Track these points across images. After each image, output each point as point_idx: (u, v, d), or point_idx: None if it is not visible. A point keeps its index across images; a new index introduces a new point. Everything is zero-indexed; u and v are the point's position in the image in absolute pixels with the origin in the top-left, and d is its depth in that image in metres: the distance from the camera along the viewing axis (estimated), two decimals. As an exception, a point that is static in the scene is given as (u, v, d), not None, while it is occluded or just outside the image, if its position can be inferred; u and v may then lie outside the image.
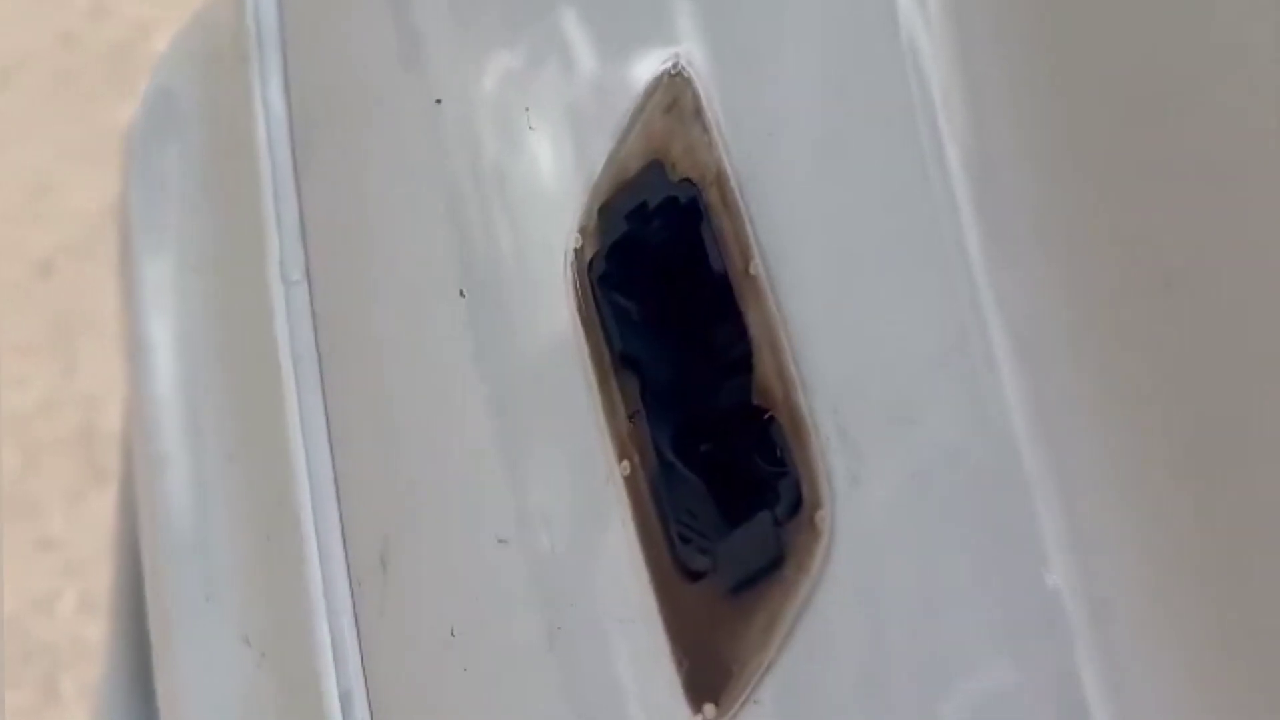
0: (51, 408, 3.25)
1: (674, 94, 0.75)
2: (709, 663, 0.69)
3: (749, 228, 0.71)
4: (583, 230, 0.77)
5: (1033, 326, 0.65)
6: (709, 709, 0.68)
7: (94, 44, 3.60)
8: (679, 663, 0.70)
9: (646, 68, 0.76)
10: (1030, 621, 0.62)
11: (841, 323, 0.69)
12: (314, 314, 0.91)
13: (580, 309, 0.76)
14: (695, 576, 0.71)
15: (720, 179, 0.73)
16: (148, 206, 1.08)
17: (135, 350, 1.05)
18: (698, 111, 0.74)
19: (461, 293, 0.82)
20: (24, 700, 2.93)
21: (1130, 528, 0.62)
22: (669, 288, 0.75)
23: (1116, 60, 0.67)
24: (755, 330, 0.70)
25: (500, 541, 0.78)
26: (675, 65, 0.75)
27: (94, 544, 3.11)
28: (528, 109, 0.81)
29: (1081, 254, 0.64)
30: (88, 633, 2.98)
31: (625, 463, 0.74)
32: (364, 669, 0.83)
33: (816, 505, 0.67)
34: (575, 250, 0.77)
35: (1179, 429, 0.63)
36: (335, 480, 0.88)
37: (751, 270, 0.71)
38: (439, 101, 0.85)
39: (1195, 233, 0.65)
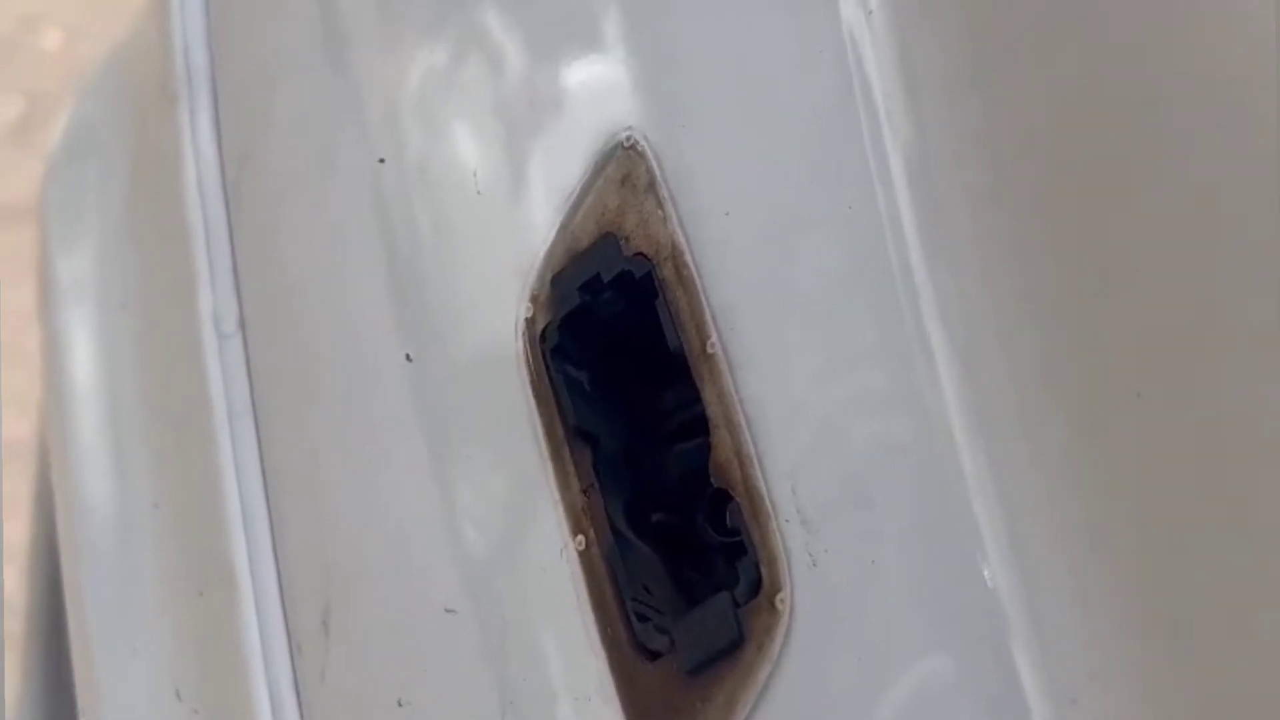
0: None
1: (628, 167, 0.74)
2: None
3: (705, 304, 0.71)
4: (534, 299, 0.77)
5: (990, 409, 0.65)
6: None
7: (-22, 37, 3.52)
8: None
9: (600, 138, 0.75)
10: (995, 706, 0.63)
11: (799, 402, 0.69)
12: (249, 367, 0.90)
13: (533, 380, 0.76)
14: (652, 656, 0.71)
15: (675, 254, 0.73)
16: (68, 249, 1.07)
17: (56, 394, 1.03)
18: (651, 185, 0.74)
19: (408, 357, 0.81)
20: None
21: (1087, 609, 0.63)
22: (624, 362, 0.75)
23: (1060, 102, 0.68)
24: (712, 408, 0.70)
25: (449, 611, 0.78)
26: (630, 138, 0.74)
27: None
28: (475, 172, 0.80)
29: (1042, 344, 0.65)
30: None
31: (580, 537, 0.73)
32: (305, 732, 0.82)
33: (776, 588, 0.67)
34: (527, 320, 0.77)
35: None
36: (273, 538, 0.87)
37: (709, 349, 0.71)
38: (382, 161, 0.84)
39: (1130, 238, 0.65)
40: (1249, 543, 0.62)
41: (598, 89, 0.77)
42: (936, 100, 0.69)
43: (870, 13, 0.68)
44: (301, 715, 0.83)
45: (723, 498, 0.70)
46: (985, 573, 0.63)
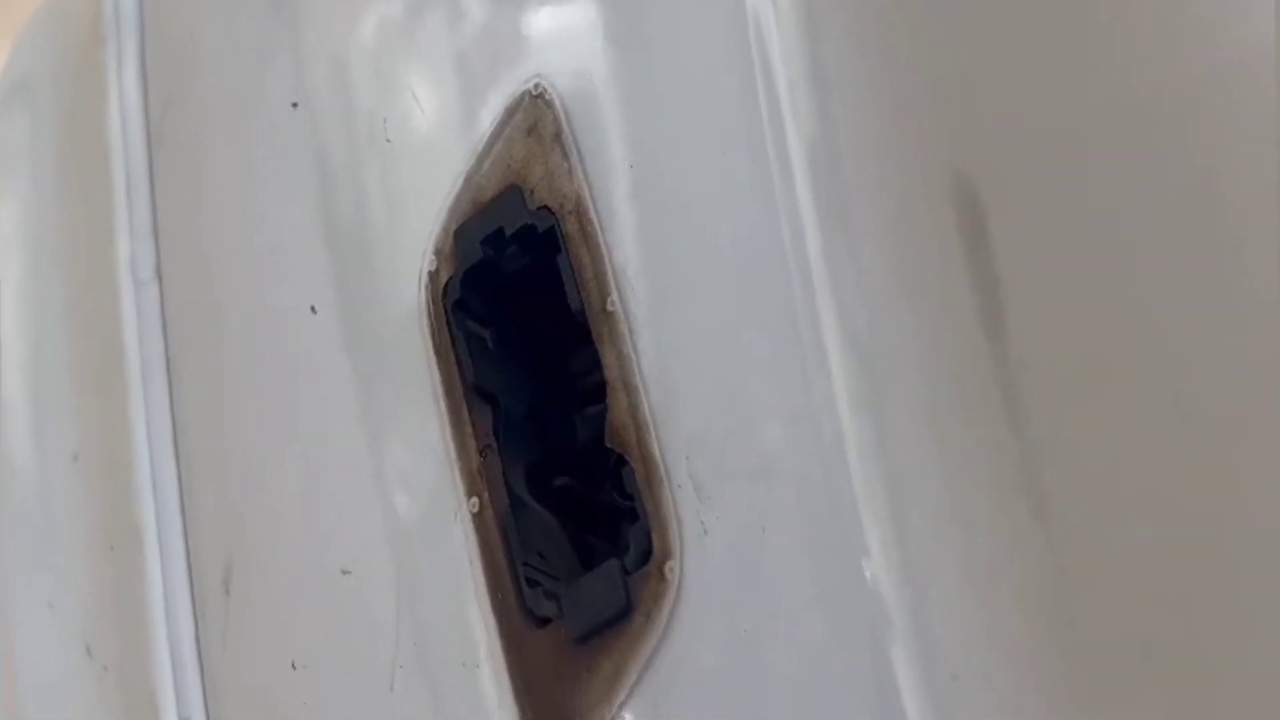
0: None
1: (535, 116, 0.72)
2: (552, 712, 0.67)
3: (607, 262, 0.69)
4: (438, 252, 0.74)
5: (878, 386, 0.62)
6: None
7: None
8: (522, 711, 0.68)
9: (508, 87, 0.73)
10: (874, 691, 0.60)
11: (697, 366, 0.67)
12: (164, 315, 0.88)
13: (433, 335, 0.73)
14: (542, 622, 0.68)
15: (580, 208, 0.70)
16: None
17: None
18: (558, 136, 0.71)
19: (313, 309, 0.79)
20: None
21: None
22: (525, 318, 0.73)
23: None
24: (611, 370, 0.68)
25: (344, 573, 0.75)
26: (538, 86, 0.72)
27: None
28: (385, 120, 0.78)
29: (933, 324, 0.62)
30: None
31: (474, 499, 0.71)
32: (205, 696, 0.80)
33: (667, 555, 0.65)
34: (430, 273, 0.74)
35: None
36: (180, 492, 0.85)
37: (609, 307, 0.68)
38: (295, 105, 0.82)
39: (1031, 237, 0.62)
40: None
41: (508, 37, 0.74)
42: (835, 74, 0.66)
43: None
44: (203, 677, 0.81)
45: (619, 462, 0.67)
46: (871, 545, 0.61)
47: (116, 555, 0.89)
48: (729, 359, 0.65)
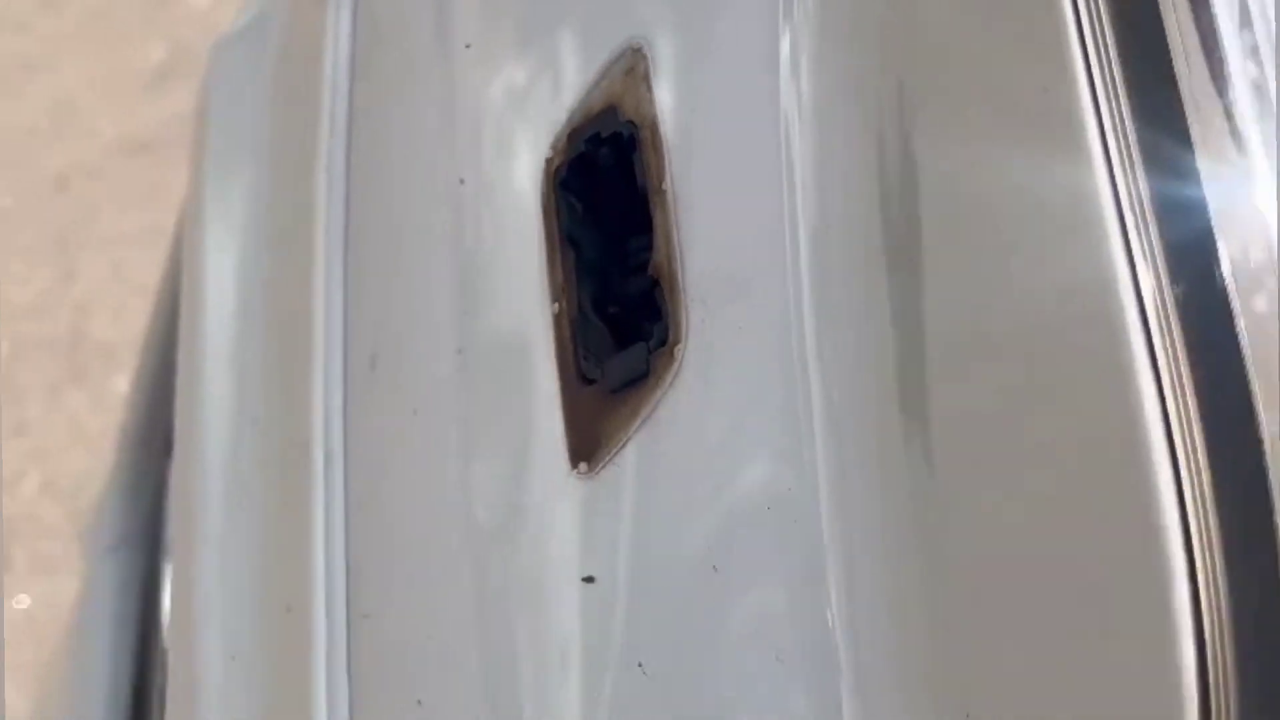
0: (45, 309, 3.57)
1: (633, 63, 1.09)
2: (589, 438, 1.03)
3: (667, 160, 1.06)
4: (554, 147, 1.11)
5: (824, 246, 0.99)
6: (583, 465, 1.03)
7: (131, -12, 3.91)
8: (569, 437, 1.04)
9: (616, 41, 1.10)
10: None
11: (715, 231, 1.03)
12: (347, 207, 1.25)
13: (544, 200, 1.10)
14: (590, 382, 1.05)
15: (654, 126, 1.07)
16: (224, 118, 1.41)
17: (198, 217, 1.38)
18: (646, 77, 1.08)
19: (461, 180, 1.16)
20: (-23, 566, 3.21)
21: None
22: (606, 195, 1.10)
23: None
24: (659, 229, 1.05)
25: (459, 351, 1.12)
26: (636, 43, 1.09)
27: (64, 436, 3.43)
28: (537, 54, 1.15)
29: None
30: (46, 513, 3.29)
31: (556, 304, 1.08)
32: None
33: (676, 341, 1.01)
34: (548, 160, 1.11)
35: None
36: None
37: (664, 187, 1.05)
38: (468, 46, 1.19)
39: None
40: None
41: (620, 8, 1.12)
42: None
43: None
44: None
45: (654, 285, 1.04)
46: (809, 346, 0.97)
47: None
48: (739, 229, 1.02)
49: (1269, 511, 0.71)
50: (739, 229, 1.02)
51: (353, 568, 1.14)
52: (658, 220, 1.05)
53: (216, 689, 1.19)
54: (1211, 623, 0.70)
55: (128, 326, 3.55)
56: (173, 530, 1.52)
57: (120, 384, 3.50)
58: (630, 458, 1.01)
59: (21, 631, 3.13)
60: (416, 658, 1.08)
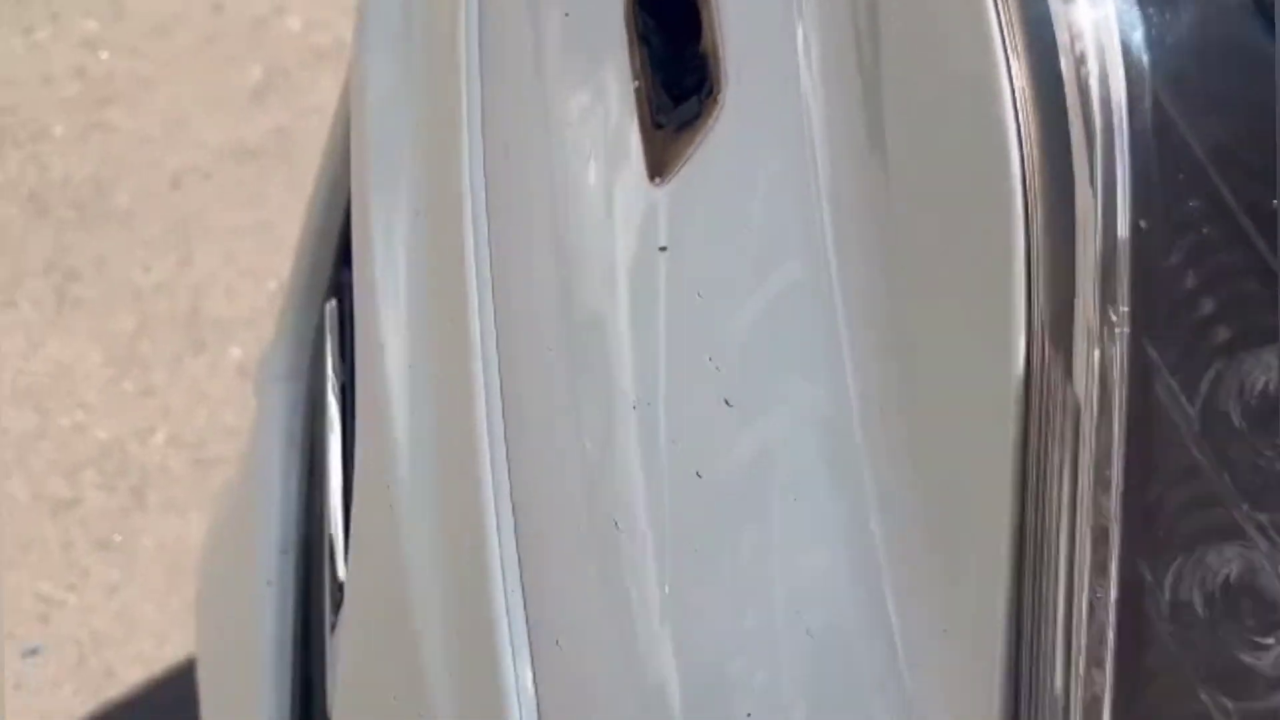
0: (166, 291, 4.10)
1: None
2: (661, 163, 1.47)
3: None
4: (635, -23, 1.56)
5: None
6: (658, 179, 1.46)
7: (238, 15, 4.45)
8: (647, 161, 1.48)
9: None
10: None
11: (753, 30, 1.47)
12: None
13: (627, 9, 1.55)
14: (660, 126, 1.49)
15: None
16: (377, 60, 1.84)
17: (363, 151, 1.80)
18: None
19: (566, 14, 1.60)
20: (115, 502, 3.72)
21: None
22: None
23: None
24: (706, 26, 1.48)
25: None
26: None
27: (186, 398, 3.95)
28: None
29: None
30: (173, 464, 3.80)
31: (636, 82, 1.52)
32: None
33: (720, 88, 1.45)
34: (627, -14, 1.56)
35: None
36: None
37: (710, -8, 1.49)
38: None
39: None
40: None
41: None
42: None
43: None
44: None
45: (705, 58, 1.48)
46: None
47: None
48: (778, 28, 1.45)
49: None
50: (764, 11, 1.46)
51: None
52: (705, 19, 1.49)
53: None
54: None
55: (239, 305, 4.07)
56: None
57: (235, 353, 4.01)
58: (692, 171, 1.45)
59: (153, 562, 3.60)
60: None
